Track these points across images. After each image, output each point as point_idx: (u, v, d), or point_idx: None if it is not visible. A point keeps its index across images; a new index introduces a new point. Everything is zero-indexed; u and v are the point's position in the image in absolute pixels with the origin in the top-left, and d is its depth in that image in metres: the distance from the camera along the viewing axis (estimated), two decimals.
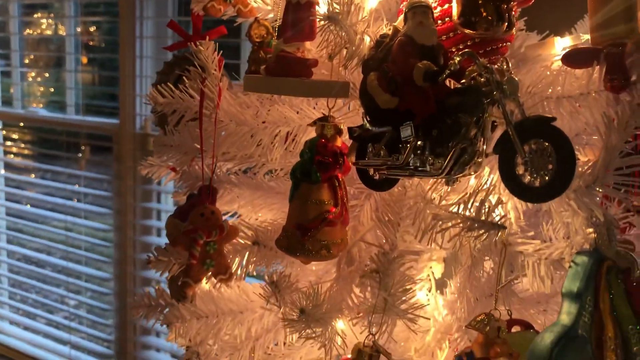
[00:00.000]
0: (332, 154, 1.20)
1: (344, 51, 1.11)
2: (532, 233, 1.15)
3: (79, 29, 3.45)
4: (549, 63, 1.31)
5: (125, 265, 3.06)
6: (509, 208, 1.10)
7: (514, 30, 1.14)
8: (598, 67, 1.10)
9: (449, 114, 1.02)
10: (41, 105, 3.77)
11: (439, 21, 1.19)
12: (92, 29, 3.62)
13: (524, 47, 1.33)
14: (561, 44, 1.35)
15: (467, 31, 1.11)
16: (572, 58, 1.12)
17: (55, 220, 3.49)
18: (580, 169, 1.04)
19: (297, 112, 1.37)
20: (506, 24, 1.08)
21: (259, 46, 1.56)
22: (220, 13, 1.46)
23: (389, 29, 1.15)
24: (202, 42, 1.30)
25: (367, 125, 1.15)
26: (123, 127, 2.97)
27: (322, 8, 1.17)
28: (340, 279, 1.33)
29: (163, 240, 2.95)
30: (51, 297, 3.53)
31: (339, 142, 1.23)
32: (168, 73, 1.84)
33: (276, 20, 1.61)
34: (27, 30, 3.80)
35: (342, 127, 1.23)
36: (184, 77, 1.49)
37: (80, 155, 3.43)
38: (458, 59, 0.99)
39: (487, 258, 1.14)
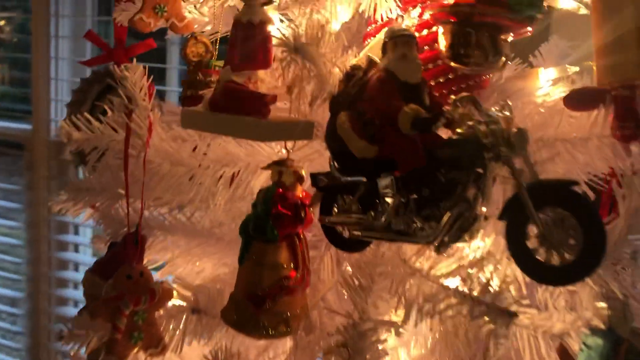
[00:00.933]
0: (292, 206, 0.99)
1: (310, 83, 0.90)
2: (526, 301, 0.98)
3: None
4: (533, 97, 1.16)
5: (39, 284, 2.73)
6: (507, 273, 0.92)
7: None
8: (603, 110, 0.95)
9: (442, 169, 0.83)
10: None
11: (425, 47, 1.01)
12: (1, 22, 3.26)
13: (504, 78, 1.17)
14: (545, 75, 1.20)
15: (456, 65, 0.93)
16: (576, 100, 0.96)
17: None
18: None
19: (245, 149, 1.15)
20: (503, 58, 0.91)
21: (197, 67, 1.32)
22: (149, 28, 1.22)
23: (361, 60, 0.95)
24: (127, 66, 1.05)
25: (336, 173, 0.95)
26: (36, 134, 2.65)
27: (279, 30, 0.95)
28: (298, 350, 1.11)
29: (81, 258, 2.65)
30: None
31: (299, 191, 1.02)
32: (86, 91, 1.57)
33: (216, 33, 1.39)
34: None
35: (303, 173, 1.02)
36: (107, 100, 1.24)
37: None
38: (457, 104, 0.80)
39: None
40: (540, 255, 0.77)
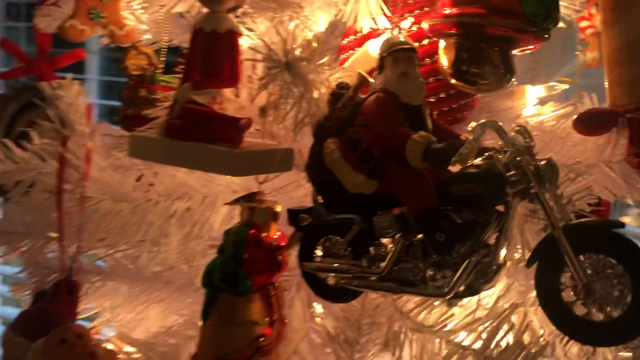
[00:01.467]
0: (268, 251, 0.83)
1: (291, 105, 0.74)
2: None
3: None
4: (519, 117, 1.06)
5: None
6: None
7: None
8: (615, 133, 0.85)
9: (457, 209, 0.70)
10: None
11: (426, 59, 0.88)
12: None
13: (489, 96, 1.06)
14: (533, 93, 1.10)
15: (457, 84, 0.80)
16: (587, 123, 0.86)
17: None
18: None
19: (200, 179, 0.99)
20: (515, 74, 0.79)
21: (138, 81, 1.14)
22: (83, 36, 1.03)
23: (347, 76, 0.81)
24: (60, 82, 0.85)
25: (321, 209, 0.80)
26: None
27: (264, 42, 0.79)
28: None
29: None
30: None
31: (274, 231, 0.87)
32: (2, 109, 1.34)
33: (155, 43, 1.21)
34: None
35: (278, 209, 0.87)
36: (29, 122, 1.04)
37: None
38: (480, 131, 0.67)
39: None
40: (579, 310, 0.66)
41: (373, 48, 0.84)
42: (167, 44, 1.16)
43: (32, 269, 1.02)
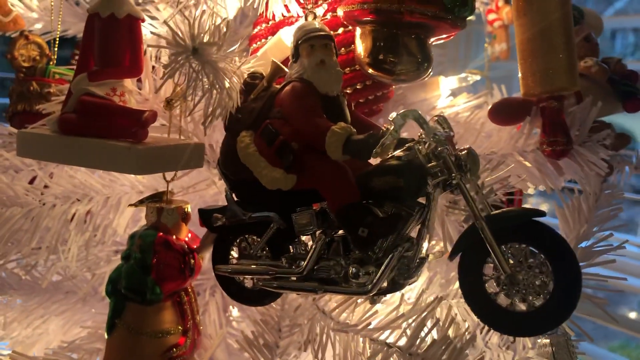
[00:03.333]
0: (179, 255, 0.77)
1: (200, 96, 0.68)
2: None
3: None
4: (434, 109, 1.06)
5: None
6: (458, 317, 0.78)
7: None
8: (528, 123, 0.86)
9: (378, 203, 0.67)
10: None
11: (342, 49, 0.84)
12: None
13: (402, 88, 1.05)
14: (446, 85, 1.10)
15: (374, 73, 0.77)
16: (501, 112, 0.86)
17: None
18: None
19: (101, 179, 0.91)
20: (431, 63, 0.78)
21: (28, 74, 1.04)
22: None
23: (260, 66, 0.76)
24: None
25: (235, 208, 0.75)
26: None
27: (168, 26, 0.72)
28: None
29: None
30: None
31: (184, 233, 0.81)
32: None
33: (49, 33, 1.11)
34: None
35: (188, 209, 0.81)
36: None
37: None
38: (401, 121, 0.65)
39: None
40: (502, 301, 0.65)
41: (286, 36, 0.79)
42: (61, 33, 1.07)
43: None
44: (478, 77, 1.12)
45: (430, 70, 0.78)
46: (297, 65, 0.72)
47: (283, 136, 0.69)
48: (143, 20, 0.76)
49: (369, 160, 0.69)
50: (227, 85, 0.67)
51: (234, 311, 1.00)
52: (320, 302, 0.79)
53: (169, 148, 0.72)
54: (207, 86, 0.63)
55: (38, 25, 1.14)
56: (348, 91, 0.83)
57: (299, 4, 0.84)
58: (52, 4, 1.04)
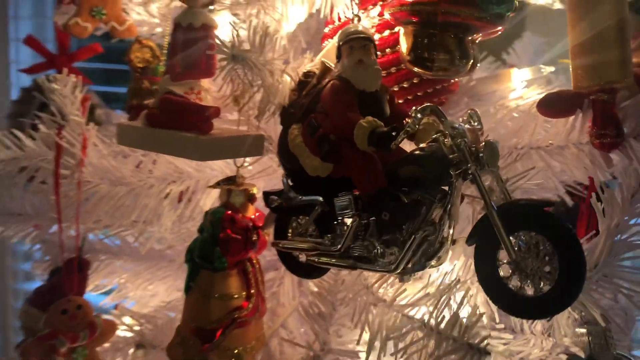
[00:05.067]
0: (242, 230, 0.89)
1: (257, 94, 0.80)
2: (501, 325, 0.90)
3: None
4: (507, 101, 1.08)
5: (6, 297, 2.60)
6: (478, 302, 0.83)
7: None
8: (580, 115, 0.87)
9: (404, 190, 0.74)
10: None
11: (378, 53, 0.91)
12: None
13: (474, 80, 1.08)
14: (519, 76, 1.11)
15: (418, 70, 0.83)
16: (551, 105, 0.87)
17: None
18: None
19: (195, 165, 1.05)
20: (472, 61, 0.82)
21: (142, 73, 1.22)
22: (86, 33, 1.11)
23: (315, 65, 0.85)
24: (56, 77, 0.94)
25: (290, 192, 0.85)
26: None
27: (223, 34, 0.85)
28: None
29: None
30: None
31: (250, 212, 0.93)
32: (27, 102, 1.45)
33: (165, 37, 1.28)
34: None
35: (254, 191, 0.92)
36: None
37: None
38: (419, 116, 0.71)
39: None
40: (513, 285, 0.69)
41: None
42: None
43: (45, 248, 1.12)
44: (552, 69, 1.11)
45: (470, 65, 0.82)
46: (340, 65, 0.80)
47: (323, 129, 0.78)
48: (216, 28, 0.89)
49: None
50: (277, 84, 0.78)
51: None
52: (363, 278, 0.87)
53: (230, 139, 0.84)
54: (250, 86, 0.73)
55: (159, 29, 1.32)
56: (395, 88, 0.90)
57: (359, 7, 0.92)
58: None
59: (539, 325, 0.88)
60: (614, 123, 0.82)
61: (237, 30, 0.72)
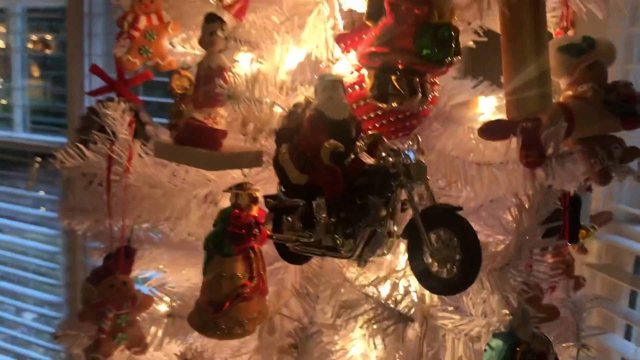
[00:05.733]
0: (245, 225, 1.14)
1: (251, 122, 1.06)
2: (451, 308, 1.11)
3: (30, 45, 3.37)
4: (474, 124, 1.29)
5: (76, 288, 2.95)
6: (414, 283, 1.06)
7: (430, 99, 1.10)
8: (515, 139, 1.07)
9: (358, 195, 0.97)
10: None
11: (356, 86, 1.15)
12: (48, 37, 3.52)
13: (449, 106, 1.30)
14: (485, 104, 1.32)
15: (378, 104, 1.07)
16: (489, 131, 1.09)
17: (3, 242, 3.34)
18: (492, 250, 1.02)
19: (217, 173, 1.32)
20: (419, 96, 1.04)
21: (181, 98, 1.50)
22: (136, 67, 1.40)
23: (301, 98, 1.10)
24: (108, 104, 1.22)
25: (282, 195, 1.10)
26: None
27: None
28: (261, 349, 1.27)
29: None
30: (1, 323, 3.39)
31: (254, 211, 1.18)
32: (91, 119, 1.76)
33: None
34: None
35: (257, 195, 1.18)
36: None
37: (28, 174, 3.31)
38: (365, 141, 0.95)
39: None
40: (433, 270, 0.91)
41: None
42: None
43: (101, 238, 1.41)
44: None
45: (419, 100, 1.04)
46: (317, 99, 1.04)
47: (301, 148, 1.03)
48: (229, 69, 1.15)
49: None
50: (268, 114, 1.03)
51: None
52: (337, 265, 1.11)
53: (234, 154, 1.10)
54: (243, 116, 0.99)
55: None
56: (364, 117, 1.13)
57: (342, 51, 1.16)
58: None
59: (480, 308, 1.09)
60: (537, 146, 1.03)
61: (233, 74, 0.98)
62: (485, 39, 1.30)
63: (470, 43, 1.31)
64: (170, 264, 1.46)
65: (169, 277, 1.49)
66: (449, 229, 0.89)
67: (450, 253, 0.89)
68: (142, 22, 1.37)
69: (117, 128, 1.22)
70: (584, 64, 1.13)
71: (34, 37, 3.38)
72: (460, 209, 0.90)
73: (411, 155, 0.96)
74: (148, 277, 1.50)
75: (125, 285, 1.26)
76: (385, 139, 0.97)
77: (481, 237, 1.32)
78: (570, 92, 1.14)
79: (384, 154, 0.97)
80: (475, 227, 0.89)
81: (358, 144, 0.95)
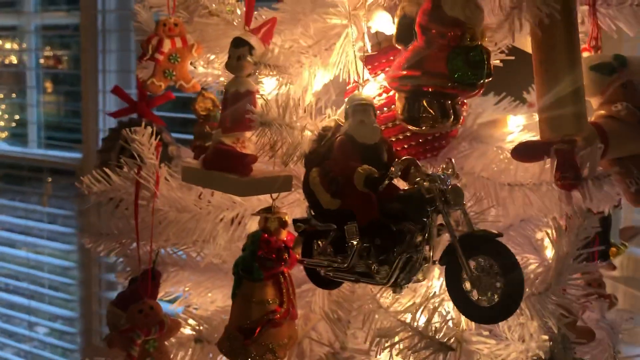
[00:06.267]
0: (275, 250, 1.13)
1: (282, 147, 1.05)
2: (486, 332, 1.09)
3: (42, 61, 3.40)
4: (503, 143, 1.27)
5: (90, 304, 2.96)
6: (452, 310, 1.04)
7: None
8: (549, 160, 1.06)
9: (393, 221, 0.96)
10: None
11: (385, 108, 1.14)
12: (60, 53, 3.56)
13: (476, 125, 1.28)
14: (514, 122, 1.31)
15: (410, 127, 1.05)
16: (522, 153, 1.07)
17: (18, 258, 3.36)
18: (532, 275, 1.00)
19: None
20: (451, 119, 1.03)
21: (205, 120, 1.49)
22: (160, 89, 1.40)
23: (331, 121, 1.09)
24: (136, 130, 1.22)
25: (312, 220, 1.09)
26: (86, 162, 2.90)
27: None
28: None
29: None
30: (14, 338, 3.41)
31: (283, 235, 1.17)
32: (114, 139, 1.76)
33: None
34: None
35: (286, 219, 1.17)
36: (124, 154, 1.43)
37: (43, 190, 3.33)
38: (399, 166, 0.94)
39: None
40: (474, 296, 0.89)
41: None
42: None
43: (126, 261, 1.40)
44: None
45: (451, 122, 1.03)
46: (347, 123, 1.03)
47: (333, 172, 1.02)
48: (258, 93, 1.14)
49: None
50: (299, 138, 1.02)
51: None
52: (371, 290, 1.10)
53: (265, 179, 1.09)
54: (273, 141, 0.98)
55: (222, 79, 1.60)
56: (393, 139, 1.12)
57: (370, 72, 1.15)
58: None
59: (516, 334, 1.07)
60: (573, 168, 1.01)
61: (264, 99, 0.98)
62: (511, 58, 1.29)
63: (497, 62, 1.30)
64: (196, 287, 1.45)
65: (195, 299, 1.48)
66: (489, 256, 0.87)
67: (491, 281, 0.87)
68: (167, 46, 1.37)
69: (144, 153, 1.21)
70: (616, 83, 1.11)
71: (47, 54, 3.41)
72: (500, 235, 0.88)
73: (447, 179, 0.95)
74: (173, 298, 1.49)
75: (153, 310, 1.25)
76: (418, 163, 0.95)
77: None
78: (603, 112, 1.12)
79: (418, 179, 0.96)
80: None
81: (392, 168, 0.94)
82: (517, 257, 1.26)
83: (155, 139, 1.26)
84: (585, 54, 1.19)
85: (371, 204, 0.98)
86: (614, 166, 1.11)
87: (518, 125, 1.30)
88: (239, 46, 1.13)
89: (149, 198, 1.22)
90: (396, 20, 1.06)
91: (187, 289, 1.46)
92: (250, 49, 1.13)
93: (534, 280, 0.97)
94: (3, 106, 3.74)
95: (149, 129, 1.24)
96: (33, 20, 3.25)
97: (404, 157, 0.95)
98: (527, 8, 1.00)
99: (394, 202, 0.96)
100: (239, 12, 1.35)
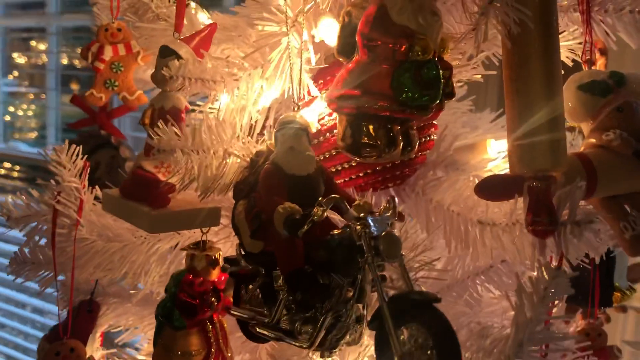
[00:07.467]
0: (199, 294, 0.97)
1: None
2: None
3: (64, 61, 3.36)
4: (482, 172, 1.09)
5: None
6: None
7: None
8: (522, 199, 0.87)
9: (320, 272, 0.79)
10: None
11: (327, 134, 0.97)
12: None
13: (453, 149, 1.10)
14: (495, 148, 1.12)
15: (350, 155, 0.88)
16: (488, 189, 0.88)
17: None
18: (489, 343, 0.81)
19: None
20: (399, 147, 0.85)
21: None
22: (101, 102, 1.26)
23: (265, 145, 0.93)
24: (56, 148, 1.08)
25: (241, 260, 0.93)
26: None
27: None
28: None
29: None
30: None
31: (214, 276, 1.00)
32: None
33: None
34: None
35: (218, 256, 1.00)
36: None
37: None
38: (322, 208, 0.76)
39: None
40: None
41: None
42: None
43: (63, 290, 1.26)
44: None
45: (399, 152, 0.85)
46: (275, 150, 0.87)
47: (257, 207, 0.85)
48: (187, 109, 0.99)
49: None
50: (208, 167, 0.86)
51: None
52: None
53: (185, 212, 0.93)
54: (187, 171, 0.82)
55: None
56: (345, 165, 0.95)
57: (319, 89, 0.99)
58: None
59: None
60: (548, 210, 0.82)
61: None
62: (494, 72, 1.11)
63: (478, 77, 1.11)
64: (140, 320, 1.30)
65: (141, 333, 1.33)
66: (422, 327, 0.69)
67: (422, 356, 0.69)
68: (108, 53, 1.22)
69: (64, 176, 1.06)
70: (611, 106, 0.92)
71: (66, 56, 3.36)
72: (438, 300, 0.70)
73: (386, 222, 0.77)
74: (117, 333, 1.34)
75: (74, 352, 1.10)
76: (350, 199, 0.78)
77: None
78: (593, 140, 0.93)
79: (352, 221, 0.78)
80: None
81: (315, 209, 0.77)
82: (495, 307, 1.08)
83: (85, 158, 1.12)
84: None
85: (294, 250, 0.81)
86: (605, 206, 0.92)
87: (500, 152, 1.11)
88: (166, 56, 0.98)
89: (68, 226, 1.07)
90: (338, 28, 0.89)
91: (130, 322, 1.30)
92: (178, 60, 0.97)
93: (491, 350, 0.78)
94: (33, 107, 3.70)
95: (73, 147, 1.10)
96: (54, 21, 3.20)
97: (329, 197, 0.77)
98: (495, 14, 0.82)
99: (318, 249, 0.79)
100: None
